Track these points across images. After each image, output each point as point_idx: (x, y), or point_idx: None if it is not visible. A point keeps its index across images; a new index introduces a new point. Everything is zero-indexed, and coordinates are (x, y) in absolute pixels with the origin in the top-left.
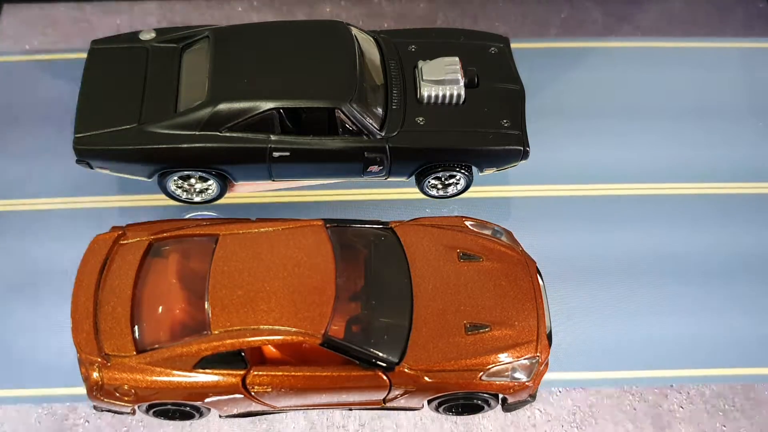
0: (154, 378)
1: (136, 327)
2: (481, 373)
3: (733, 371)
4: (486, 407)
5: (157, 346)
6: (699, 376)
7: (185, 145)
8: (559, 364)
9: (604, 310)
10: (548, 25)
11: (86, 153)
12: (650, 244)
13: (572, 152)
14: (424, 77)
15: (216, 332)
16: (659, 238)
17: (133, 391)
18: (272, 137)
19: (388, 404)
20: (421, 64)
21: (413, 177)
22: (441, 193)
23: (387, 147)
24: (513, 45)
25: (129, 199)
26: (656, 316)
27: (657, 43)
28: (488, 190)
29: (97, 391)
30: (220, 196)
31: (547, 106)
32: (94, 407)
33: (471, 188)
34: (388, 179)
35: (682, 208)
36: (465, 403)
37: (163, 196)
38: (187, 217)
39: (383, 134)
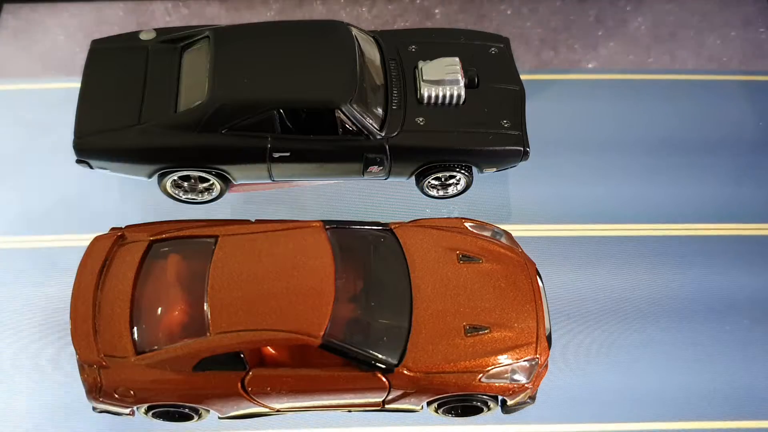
0: (153, 379)
1: (135, 328)
2: (481, 374)
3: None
4: (485, 409)
5: (156, 347)
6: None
7: (185, 145)
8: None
9: (603, 356)
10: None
11: (86, 153)
12: (656, 287)
13: (572, 190)
14: (424, 77)
15: (215, 334)
16: (666, 281)
17: (132, 392)
18: (272, 137)
19: (388, 406)
20: (421, 64)
21: (413, 177)
22: (441, 193)
23: (387, 147)
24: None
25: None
26: (653, 363)
27: (654, 76)
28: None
29: (96, 393)
30: (220, 196)
31: (545, 140)
32: (93, 408)
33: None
34: (388, 179)
35: (689, 249)
36: (464, 405)
37: (162, 196)
38: (186, 217)
39: (383, 134)
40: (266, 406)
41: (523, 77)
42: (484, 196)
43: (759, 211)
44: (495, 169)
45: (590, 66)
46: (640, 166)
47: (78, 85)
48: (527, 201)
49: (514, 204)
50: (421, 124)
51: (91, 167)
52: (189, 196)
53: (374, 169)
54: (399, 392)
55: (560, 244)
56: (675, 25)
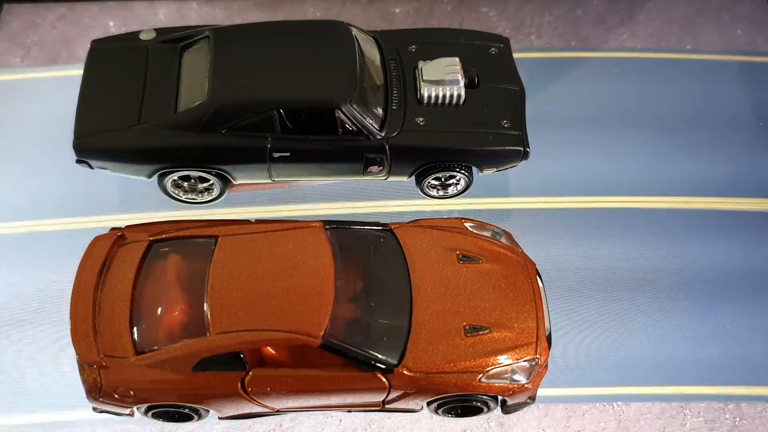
0: (153, 379)
1: (135, 328)
2: (481, 375)
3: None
4: (485, 409)
5: (156, 347)
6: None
7: (185, 145)
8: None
9: (603, 324)
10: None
11: (86, 152)
12: (654, 258)
13: (573, 163)
14: (424, 77)
15: (215, 334)
16: (662, 252)
17: (132, 392)
18: (272, 137)
19: (388, 406)
20: (421, 64)
21: (413, 177)
22: (441, 193)
23: (387, 147)
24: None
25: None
26: (650, 331)
27: (658, 54)
28: (489, 202)
29: (96, 393)
30: (220, 196)
31: (546, 116)
32: (93, 408)
33: (471, 199)
34: (388, 179)
35: (690, 222)
36: (464, 405)
37: (162, 196)
38: (186, 218)
39: (383, 134)
40: (266, 406)
41: (528, 55)
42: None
43: (758, 187)
44: (495, 169)
45: (593, 45)
46: (641, 141)
47: (78, 85)
48: (527, 174)
49: (512, 178)
50: (421, 124)
51: (91, 167)
52: (189, 196)
53: (374, 169)
54: (399, 392)
55: (560, 217)
56: (679, 6)
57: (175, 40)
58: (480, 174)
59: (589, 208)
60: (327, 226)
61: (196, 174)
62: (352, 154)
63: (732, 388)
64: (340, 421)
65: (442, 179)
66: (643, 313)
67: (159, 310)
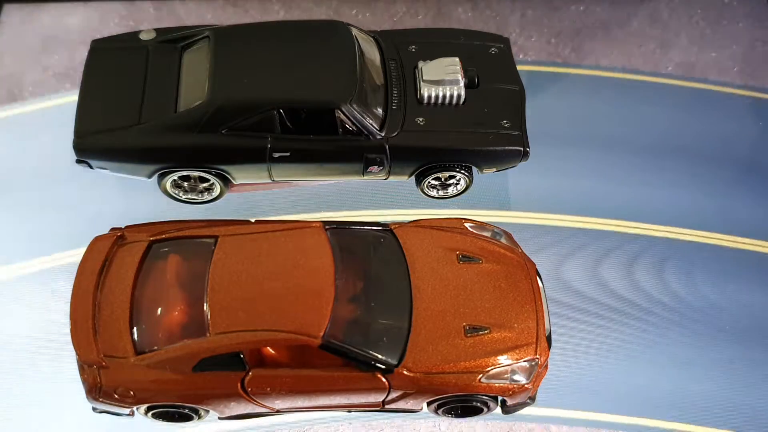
0: (153, 380)
1: (135, 328)
2: (481, 375)
3: None
4: (485, 409)
5: (156, 347)
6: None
7: (185, 145)
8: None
9: (596, 349)
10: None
11: (86, 153)
12: (656, 288)
13: (566, 182)
14: (424, 77)
15: (215, 334)
16: (663, 283)
17: (131, 392)
18: (272, 137)
19: (388, 406)
20: (421, 64)
21: (413, 177)
22: (441, 193)
23: (387, 147)
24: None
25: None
26: (646, 362)
27: (670, 81)
28: (489, 215)
29: (96, 393)
30: (220, 196)
31: (551, 133)
32: (93, 409)
33: (468, 210)
34: (388, 179)
35: (694, 256)
36: (464, 406)
37: (162, 196)
38: (186, 217)
39: (383, 134)
40: (266, 406)
41: (530, 68)
42: (484, 183)
43: (756, 228)
44: (495, 170)
45: (600, 63)
46: (643, 166)
47: (78, 84)
48: (527, 190)
49: (512, 192)
50: (421, 124)
51: (91, 167)
52: (189, 196)
53: (374, 169)
54: (399, 392)
55: (564, 235)
56: (690, 33)
57: (175, 40)
58: (480, 174)
59: (581, 228)
60: (327, 227)
61: (196, 174)
62: (352, 154)
63: None
64: (340, 420)
65: (442, 179)
66: (636, 342)
67: (159, 310)
